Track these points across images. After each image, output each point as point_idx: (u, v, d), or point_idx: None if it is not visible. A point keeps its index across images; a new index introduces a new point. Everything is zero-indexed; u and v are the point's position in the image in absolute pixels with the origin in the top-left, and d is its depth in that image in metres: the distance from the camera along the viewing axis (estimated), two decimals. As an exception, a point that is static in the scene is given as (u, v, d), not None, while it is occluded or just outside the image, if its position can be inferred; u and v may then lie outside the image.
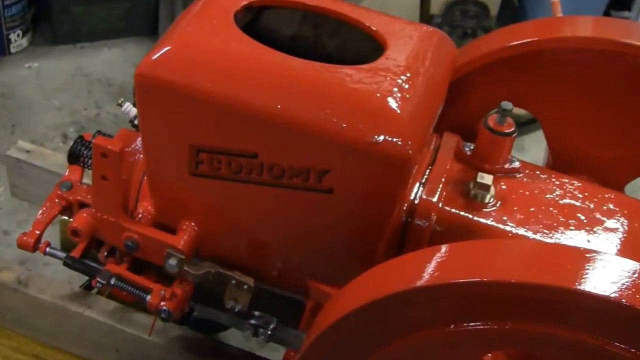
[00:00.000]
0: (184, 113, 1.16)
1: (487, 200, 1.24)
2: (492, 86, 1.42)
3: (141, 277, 1.42)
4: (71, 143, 1.49)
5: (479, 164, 1.28)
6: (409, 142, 1.09)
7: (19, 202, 2.08)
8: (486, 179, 1.24)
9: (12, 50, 2.96)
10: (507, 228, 1.22)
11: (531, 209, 1.24)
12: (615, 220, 1.24)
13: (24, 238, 1.47)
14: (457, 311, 0.96)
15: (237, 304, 1.35)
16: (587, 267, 0.91)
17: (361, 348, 1.06)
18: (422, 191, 1.25)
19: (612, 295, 0.87)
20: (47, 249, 1.48)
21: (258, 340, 1.40)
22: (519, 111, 1.37)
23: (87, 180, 1.46)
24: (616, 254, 1.18)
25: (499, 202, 1.24)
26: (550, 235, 1.21)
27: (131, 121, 1.49)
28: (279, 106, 1.11)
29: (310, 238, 1.27)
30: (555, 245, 1.17)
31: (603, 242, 1.21)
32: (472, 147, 1.31)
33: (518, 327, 0.94)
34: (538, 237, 1.21)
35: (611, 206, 1.26)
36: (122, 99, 1.52)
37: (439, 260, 0.99)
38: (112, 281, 1.42)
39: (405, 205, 1.23)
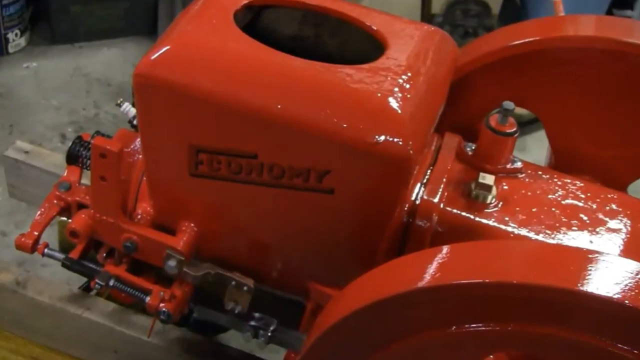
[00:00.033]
0: (184, 113, 1.16)
1: (488, 201, 1.24)
2: (494, 86, 1.42)
3: (140, 279, 1.42)
4: (70, 143, 1.49)
5: (480, 164, 1.28)
6: (410, 143, 1.09)
7: (17, 202, 2.08)
8: (488, 179, 1.24)
9: (10, 50, 2.96)
10: (509, 229, 1.22)
11: (533, 210, 1.24)
12: (618, 221, 1.24)
13: (22, 239, 1.47)
14: (459, 312, 0.96)
15: (237, 306, 1.35)
16: (589, 268, 0.91)
17: (362, 350, 1.06)
18: (423, 192, 1.25)
19: (615, 296, 0.87)
20: (46, 250, 1.48)
21: (258, 342, 1.40)
22: (520, 111, 1.37)
23: (85, 180, 1.46)
24: (619, 255, 1.18)
25: (501, 203, 1.24)
26: (553, 235, 1.21)
27: (130, 121, 1.49)
28: (279, 106, 1.11)
29: (310, 239, 1.27)
30: (558, 246, 1.17)
31: (606, 242, 1.21)
32: (473, 147, 1.31)
33: (520, 329, 0.94)
34: (540, 237, 1.21)
35: (614, 206, 1.26)
36: (121, 99, 1.52)
37: (440, 261, 0.99)
38: (111, 282, 1.42)
39: (407, 205, 1.23)
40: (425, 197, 1.24)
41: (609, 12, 3.21)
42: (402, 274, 1.03)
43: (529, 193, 1.28)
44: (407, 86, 1.13)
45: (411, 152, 1.09)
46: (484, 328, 0.95)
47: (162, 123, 1.21)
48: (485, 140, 1.27)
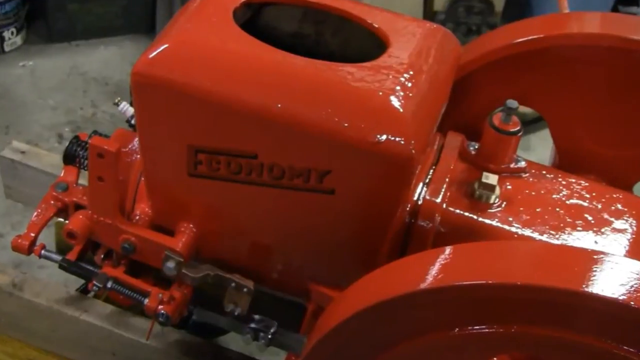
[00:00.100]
0: (182, 112, 1.17)
1: (492, 201, 1.24)
2: (497, 84, 1.42)
3: (139, 280, 1.42)
4: (67, 143, 1.49)
5: (483, 164, 1.28)
6: (412, 142, 1.09)
7: (13, 203, 2.09)
8: (491, 179, 1.24)
9: (6, 48, 2.96)
10: (513, 229, 1.22)
11: (537, 210, 1.25)
12: (624, 221, 1.24)
13: (19, 240, 1.47)
14: (462, 314, 0.97)
15: (237, 307, 1.35)
16: (594, 269, 0.91)
17: (364, 352, 1.06)
18: (425, 192, 1.25)
19: (620, 297, 0.87)
20: (43, 251, 1.49)
21: (258, 345, 1.41)
22: (524, 109, 1.37)
23: (83, 181, 1.46)
24: (624, 256, 1.19)
25: (505, 203, 1.25)
26: (557, 236, 1.21)
27: (128, 121, 1.49)
28: (279, 105, 1.11)
29: (311, 240, 1.27)
30: (562, 246, 1.18)
31: (611, 243, 1.21)
32: (476, 147, 1.31)
33: (524, 331, 0.94)
34: (544, 238, 1.21)
35: (619, 206, 1.27)
36: (119, 98, 1.52)
37: (443, 262, 0.99)
38: (109, 284, 1.42)
39: (409, 206, 1.23)
40: (427, 197, 1.24)
41: (615, 9, 3.21)
42: (405, 275, 1.03)
43: (533, 193, 1.28)
44: (409, 85, 1.13)
45: (413, 151, 1.09)
46: (487, 330, 0.95)
47: (160, 122, 1.21)
48: (489, 139, 1.28)
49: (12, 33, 2.95)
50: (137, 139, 1.38)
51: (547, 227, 1.22)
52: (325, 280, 1.30)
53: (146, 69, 1.14)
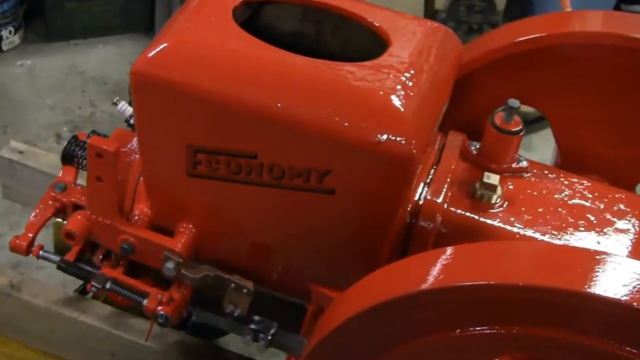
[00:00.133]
0: (181, 112, 1.17)
1: (493, 201, 1.24)
2: (499, 83, 1.42)
3: (138, 281, 1.43)
4: (65, 143, 1.49)
5: (485, 164, 1.28)
6: (413, 142, 1.09)
7: (11, 204, 2.09)
8: (493, 179, 1.24)
9: (4, 47, 2.96)
10: (515, 229, 1.22)
11: (539, 210, 1.25)
12: (626, 221, 1.24)
13: (17, 241, 1.47)
14: (463, 315, 0.97)
15: (237, 308, 1.35)
16: (597, 270, 0.91)
17: (364, 353, 1.06)
18: (426, 192, 1.25)
19: (623, 298, 0.87)
20: (41, 252, 1.49)
21: (258, 346, 1.41)
22: (526, 109, 1.37)
23: (81, 181, 1.46)
24: (627, 256, 1.19)
25: (506, 203, 1.25)
26: (559, 236, 1.21)
27: (127, 120, 1.49)
28: (279, 105, 1.11)
29: (311, 240, 1.27)
30: (564, 247, 1.18)
31: (614, 243, 1.21)
32: (478, 146, 1.31)
33: (526, 332, 0.94)
34: (546, 238, 1.21)
35: (622, 206, 1.27)
36: (118, 98, 1.52)
37: (444, 262, 0.99)
38: (108, 285, 1.42)
39: (410, 206, 1.23)
40: (428, 197, 1.24)
41: (617, 7, 3.21)
42: (405, 275, 1.03)
43: (535, 193, 1.28)
44: (410, 84, 1.13)
45: (414, 151, 1.10)
46: (488, 331, 0.95)
47: (159, 122, 1.21)
48: (490, 139, 1.28)
49: (10, 32, 2.95)
50: (136, 138, 1.38)
51: (549, 227, 1.22)
52: (326, 281, 1.31)
53: (145, 68, 1.14)
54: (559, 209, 1.25)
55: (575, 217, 1.24)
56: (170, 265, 1.33)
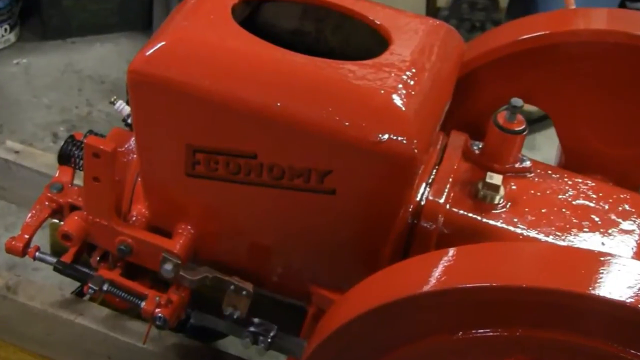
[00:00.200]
0: (180, 111, 1.17)
1: (496, 201, 1.24)
2: (502, 82, 1.42)
3: (135, 283, 1.43)
4: (62, 143, 1.49)
5: (488, 164, 1.28)
6: (415, 141, 1.10)
7: (7, 204, 2.09)
8: (495, 179, 1.24)
9: (0, 46, 2.96)
10: (518, 230, 1.22)
11: (543, 210, 1.25)
12: (631, 222, 1.24)
13: (13, 242, 1.47)
14: (466, 317, 0.97)
15: (236, 311, 1.35)
16: (601, 271, 0.91)
17: (365, 356, 1.06)
18: (428, 192, 1.25)
19: (628, 300, 0.87)
20: (37, 253, 1.49)
21: (257, 348, 1.41)
22: (529, 108, 1.37)
23: (78, 181, 1.46)
24: (632, 257, 1.19)
25: (509, 203, 1.25)
26: (563, 237, 1.21)
27: (124, 120, 1.49)
28: (278, 104, 1.11)
29: (311, 241, 1.28)
30: (568, 248, 1.18)
31: (618, 244, 1.21)
32: (480, 146, 1.31)
33: (529, 334, 0.94)
34: (550, 239, 1.21)
35: (627, 207, 1.27)
36: (115, 97, 1.52)
37: (446, 264, 1.00)
38: (105, 287, 1.42)
39: (411, 206, 1.23)
40: (430, 197, 1.24)
41: (622, 5, 3.21)
42: (407, 277, 1.03)
43: (539, 193, 1.28)
44: (412, 83, 1.13)
45: (416, 151, 1.10)
46: (491, 333, 0.96)
47: (157, 122, 1.21)
48: (493, 138, 1.28)
49: (6, 30, 2.95)
50: (133, 138, 1.38)
51: (552, 228, 1.22)
52: (326, 283, 1.31)
53: (143, 66, 1.14)
54: (563, 210, 1.25)
55: (580, 218, 1.24)
56: (168, 266, 1.33)
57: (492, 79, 1.42)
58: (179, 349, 1.54)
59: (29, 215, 1.49)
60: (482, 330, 0.96)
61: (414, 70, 1.15)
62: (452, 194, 1.25)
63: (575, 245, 1.20)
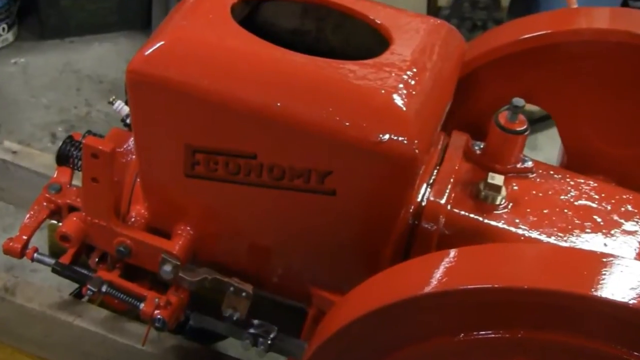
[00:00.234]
0: (179, 111, 1.17)
1: (498, 202, 1.24)
2: (504, 81, 1.42)
3: (134, 285, 1.43)
4: (60, 143, 1.49)
5: (489, 164, 1.28)
6: (416, 141, 1.10)
7: (5, 205, 2.09)
8: (497, 179, 1.24)
9: (-3, 45, 2.97)
10: (520, 231, 1.22)
11: (545, 211, 1.25)
12: (634, 223, 1.24)
13: (11, 243, 1.47)
14: (467, 319, 0.97)
15: (236, 312, 1.35)
16: (604, 272, 0.91)
17: (366, 358, 1.06)
18: (429, 193, 1.25)
19: (631, 301, 0.87)
20: (35, 255, 1.49)
21: (257, 350, 1.41)
22: (531, 108, 1.37)
23: (77, 182, 1.46)
24: (635, 258, 1.19)
25: (511, 204, 1.25)
26: (565, 238, 1.21)
27: (123, 120, 1.49)
28: (278, 104, 1.11)
29: (312, 242, 1.28)
30: (570, 249, 1.18)
31: (621, 245, 1.21)
32: (482, 146, 1.31)
33: (531, 336, 0.94)
34: (552, 240, 1.21)
35: (629, 207, 1.27)
36: (114, 97, 1.52)
37: (447, 265, 1.00)
38: (104, 289, 1.42)
39: (412, 207, 1.23)
40: (431, 198, 1.24)
41: (625, 4, 3.21)
42: (408, 278, 1.03)
43: (540, 194, 1.28)
44: (413, 82, 1.14)
45: (417, 151, 1.10)
46: (493, 335, 0.96)
47: (156, 122, 1.21)
48: (495, 138, 1.28)
49: (4, 29, 2.95)
50: (132, 138, 1.38)
51: (554, 229, 1.22)
52: (327, 284, 1.31)
53: (142, 66, 1.14)
54: (565, 210, 1.25)
55: (582, 219, 1.24)
56: (167, 268, 1.33)
57: (493, 79, 1.42)
58: (178, 351, 1.54)
59: (27, 216, 1.49)
60: (483, 332, 0.96)
61: (414, 70, 1.15)
62: (453, 195, 1.25)
63: (577, 247, 1.20)
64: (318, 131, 1.11)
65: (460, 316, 0.97)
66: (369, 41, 1.27)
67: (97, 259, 1.46)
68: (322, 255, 1.29)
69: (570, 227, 1.22)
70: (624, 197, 1.29)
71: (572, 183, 1.30)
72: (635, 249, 1.21)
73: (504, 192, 1.24)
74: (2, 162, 1.87)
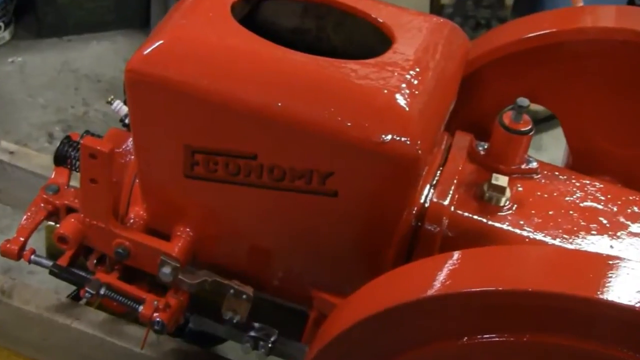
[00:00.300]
0: (178, 111, 1.17)
1: (502, 203, 1.24)
2: (508, 81, 1.42)
3: (133, 287, 1.43)
4: (57, 143, 1.49)
5: (493, 165, 1.28)
6: (419, 142, 1.09)
7: (1, 206, 2.09)
8: (501, 180, 1.24)
9: (-6, 44, 2.97)
10: (524, 233, 1.22)
11: (550, 213, 1.25)
12: (640, 224, 1.24)
13: (8, 245, 1.47)
14: (471, 322, 0.97)
15: (236, 315, 1.35)
16: (609, 275, 0.91)
17: (368, 362, 1.06)
18: (432, 194, 1.25)
19: (637, 304, 0.87)
20: (32, 256, 1.49)
21: (258, 354, 1.41)
22: (536, 107, 1.37)
23: (74, 183, 1.46)
24: (641, 261, 1.19)
25: (515, 205, 1.25)
26: (571, 240, 1.21)
27: (122, 120, 1.49)
28: (279, 104, 1.11)
29: (313, 244, 1.27)
30: (576, 251, 1.18)
31: (627, 247, 1.21)
32: (486, 147, 1.31)
33: (536, 339, 0.94)
34: (557, 242, 1.21)
35: (636, 209, 1.27)
36: (112, 96, 1.52)
37: (450, 267, 0.99)
38: (102, 291, 1.42)
39: (415, 209, 1.23)
40: (434, 199, 1.24)
41: (630, 2, 3.21)
42: (411, 281, 1.03)
43: (545, 195, 1.28)
44: (415, 82, 1.13)
45: (420, 151, 1.10)
46: (497, 339, 0.95)
47: (155, 122, 1.21)
48: (499, 139, 1.28)
49: (0, 28, 2.95)
50: (131, 139, 1.38)
51: (560, 230, 1.22)
52: (328, 287, 1.31)
53: (141, 65, 1.14)
54: (570, 212, 1.25)
55: (587, 220, 1.24)
56: (166, 270, 1.33)
57: (497, 78, 1.42)
58: (178, 354, 1.54)
59: (25, 217, 1.49)
60: (487, 336, 0.96)
61: (417, 70, 1.15)
62: (456, 196, 1.25)
63: (583, 249, 1.20)
64: (319, 131, 1.11)
65: (464, 320, 0.97)
66: (371, 40, 1.27)
67: (95, 261, 1.46)
68: (323, 257, 1.29)
69: (575, 229, 1.22)
70: (631, 198, 1.29)
71: (577, 184, 1.30)
72: (641, 251, 1.21)
73: (508, 193, 1.24)
74: (-2, 163, 1.87)
